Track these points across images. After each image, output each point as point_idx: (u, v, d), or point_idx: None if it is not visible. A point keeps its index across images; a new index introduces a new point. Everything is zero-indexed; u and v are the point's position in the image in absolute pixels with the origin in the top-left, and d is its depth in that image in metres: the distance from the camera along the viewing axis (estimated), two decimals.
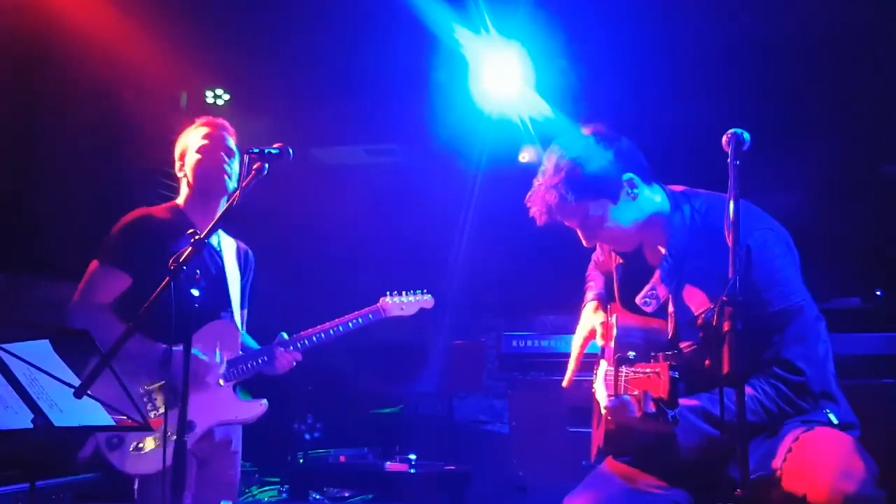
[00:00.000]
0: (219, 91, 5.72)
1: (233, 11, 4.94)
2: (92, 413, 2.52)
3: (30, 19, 4.39)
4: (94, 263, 3.22)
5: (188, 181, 3.34)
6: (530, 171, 2.64)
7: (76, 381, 2.45)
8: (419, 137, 6.03)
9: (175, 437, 2.39)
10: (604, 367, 2.53)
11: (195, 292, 2.43)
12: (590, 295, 2.92)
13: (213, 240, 3.36)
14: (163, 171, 5.49)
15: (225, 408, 3.12)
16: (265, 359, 3.22)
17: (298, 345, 3.31)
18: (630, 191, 2.49)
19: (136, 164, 5.22)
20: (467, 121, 5.41)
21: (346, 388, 5.90)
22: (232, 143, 3.35)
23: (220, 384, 3.13)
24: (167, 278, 2.42)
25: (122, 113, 5.08)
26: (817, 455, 2.20)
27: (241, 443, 3.33)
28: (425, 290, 3.63)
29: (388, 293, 3.51)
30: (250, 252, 3.55)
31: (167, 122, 5.55)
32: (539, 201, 2.54)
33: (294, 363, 3.31)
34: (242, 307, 3.44)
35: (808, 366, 2.32)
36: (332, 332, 3.36)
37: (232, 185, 3.28)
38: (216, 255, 3.35)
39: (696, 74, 5.02)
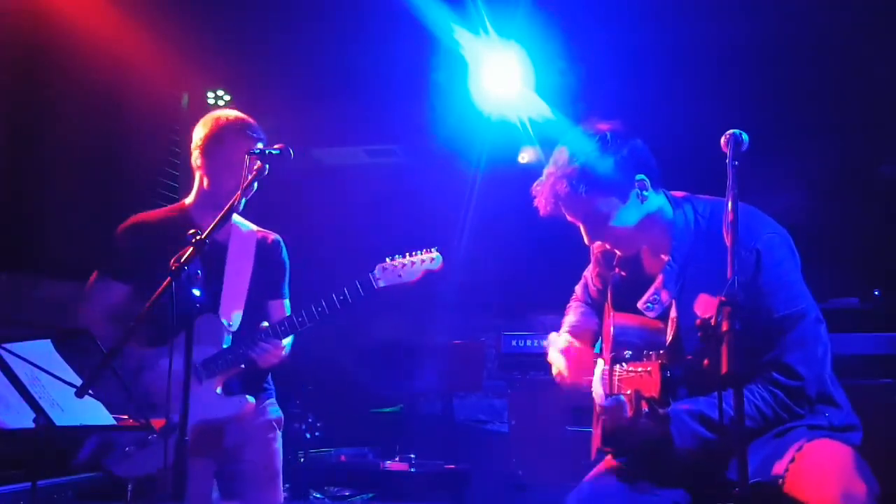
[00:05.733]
0: (220, 92, 5.74)
1: (234, 12, 4.95)
2: (93, 412, 2.53)
3: (30, 19, 4.39)
4: (94, 274, 3.23)
5: (204, 181, 3.22)
6: (530, 171, 2.64)
7: (78, 381, 2.47)
8: (419, 138, 6.04)
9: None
10: (601, 365, 2.53)
11: (196, 292, 2.43)
12: (563, 329, 2.89)
13: (216, 232, 3.27)
14: (164, 172, 5.51)
15: (205, 406, 3.00)
16: (241, 351, 3.06)
17: (280, 330, 3.08)
18: (640, 192, 2.46)
19: (137, 164, 5.23)
20: (467, 121, 5.41)
21: (346, 387, 5.91)
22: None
23: (198, 382, 3.03)
24: (168, 278, 2.43)
25: (124, 113, 5.08)
26: (820, 470, 2.20)
27: (266, 433, 3.23)
28: (433, 248, 3.11)
29: (386, 258, 3.11)
30: (270, 239, 3.36)
31: (168, 123, 5.58)
32: (547, 190, 2.49)
33: (281, 353, 3.10)
34: (270, 298, 3.30)
35: (808, 370, 2.32)
36: (315, 312, 3.07)
37: None
38: (217, 251, 3.21)
39: (695, 75, 5.03)
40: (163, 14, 4.74)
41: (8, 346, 2.45)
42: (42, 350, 2.53)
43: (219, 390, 3.10)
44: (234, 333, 3.15)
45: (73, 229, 4.60)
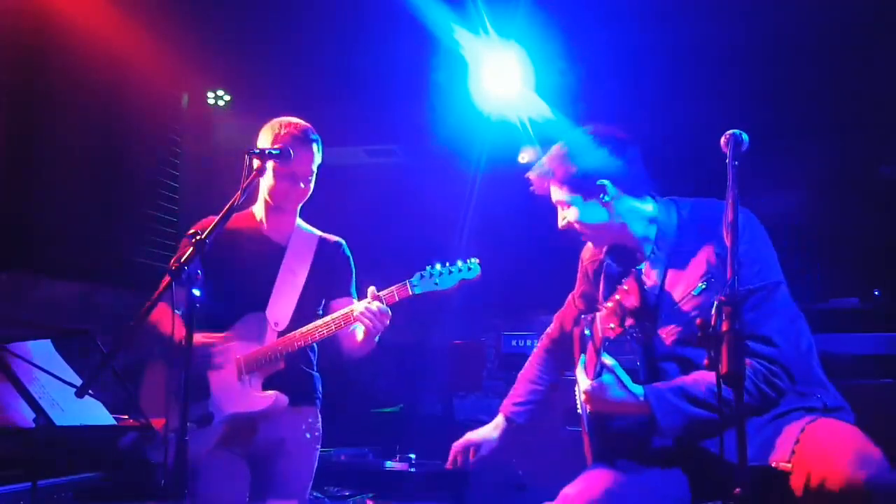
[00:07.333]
0: (220, 92, 5.73)
1: (234, 12, 4.94)
2: (93, 412, 2.54)
3: (30, 19, 4.39)
4: None
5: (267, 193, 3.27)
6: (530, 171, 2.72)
7: (78, 381, 2.47)
8: (419, 138, 6.04)
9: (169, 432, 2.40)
10: (582, 359, 2.61)
11: (196, 292, 2.44)
12: (507, 402, 3.16)
13: (277, 235, 3.32)
14: (164, 172, 5.51)
15: (239, 400, 3.11)
16: (280, 348, 3.13)
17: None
18: (602, 196, 2.62)
19: (137, 164, 5.23)
20: (467, 121, 5.41)
21: (346, 387, 5.91)
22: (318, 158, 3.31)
23: (238, 377, 3.12)
24: (168, 278, 2.44)
25: (124, 113, 5.08)
26: (830, 444, 2.23)
27: (301, 442, 3.28)
28: (473, 258, 3.20)
29: (427, 266, 3.16)
30: (331, 241, 3.40)
31: (168, 123, 5.58)
32: (536, 171, 2.77)
33: (386, 320, 3.13)
34: (336, 297, 3.33)
35: (782, 339, 2.37)
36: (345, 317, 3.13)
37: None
38: (275, 251, 3.29)
39: (695, 75, 5.03)
40: (163, 14, 4.74)
41: (8, 345, 2.46)
42: (42, 350, 2.54)
43: (258, 386, 3.15)
44: (280, 333, 3.19)
45: (73, 229, 4.60)
